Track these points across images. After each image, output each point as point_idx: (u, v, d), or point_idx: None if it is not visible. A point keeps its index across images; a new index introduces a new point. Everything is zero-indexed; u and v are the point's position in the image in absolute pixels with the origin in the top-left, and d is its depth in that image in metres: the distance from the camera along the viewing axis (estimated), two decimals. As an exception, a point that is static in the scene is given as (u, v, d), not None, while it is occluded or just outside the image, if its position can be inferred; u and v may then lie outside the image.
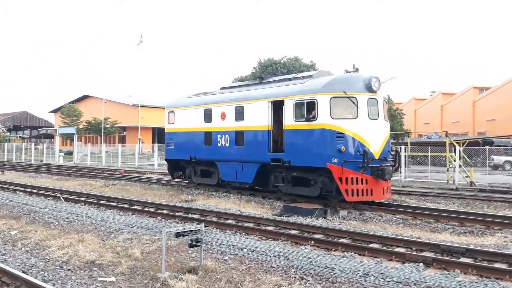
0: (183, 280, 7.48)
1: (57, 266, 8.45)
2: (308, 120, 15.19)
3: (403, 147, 25.47)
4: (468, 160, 25.64)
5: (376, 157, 14.86)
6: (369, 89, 15.06)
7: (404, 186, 23.12)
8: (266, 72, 47.02)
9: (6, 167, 37.27)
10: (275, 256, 8.98)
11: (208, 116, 19.24)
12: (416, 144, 35.53)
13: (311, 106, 15.16)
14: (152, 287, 7.37)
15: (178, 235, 8.31)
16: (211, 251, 9.52)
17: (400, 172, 25.14)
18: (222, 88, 20.80)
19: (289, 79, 17.62)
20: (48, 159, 52.15)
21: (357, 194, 14.46)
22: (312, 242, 10.10)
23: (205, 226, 8.94)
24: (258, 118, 16.95)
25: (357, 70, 15.91)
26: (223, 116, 18.48)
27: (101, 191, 19.97)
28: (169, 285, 7.38)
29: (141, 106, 69.17)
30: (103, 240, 10.43)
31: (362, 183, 14.47)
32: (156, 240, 10.22)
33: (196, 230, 8.35)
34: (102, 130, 67.68)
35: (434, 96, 71.82)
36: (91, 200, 16.94)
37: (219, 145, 18.60)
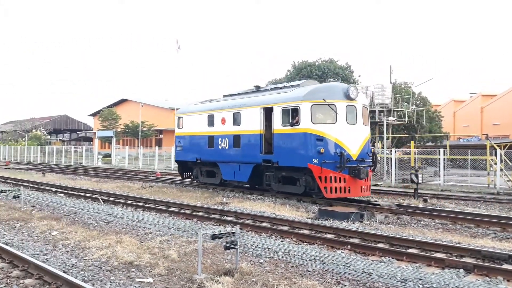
0: (219, 282, 7.51)
1: (96, 267, 8.62)
2: (292, 125, 16.93)
3: (441, 150, 24.90)
4: (510, 164, 24.84)
5: (354, 158, 16.46)
6: (348, 97, 16.82)
7: (443, 190, 22.60)
8: (301, 74, 46.86)
9: (47, 169, 38.42)
10: (311, 260, 8.91)
11: (211, 121, 21.13)
12: (455, 147, 34.66)
13: (295, 112, 16.90)
14: (188, 289, 7.43)
15: (214, 237, 8.34)
16: (246, 254, 9.54)
17: (439, 176, 24.59)
18: (224, 96, 22.83)
19: (280, 88, 19.44)
20: (87, 161, 53.47)
21: (335, 191, 16.06)
22: (349, 246, 9.97)
23: (240, 229, 8.95)
24: (252, 123, 18.76)
25: (337, 80, 17.45)
26: (223, 121, 20.37)
27: (138, 193, 20.30)
28: (205, 287, 7.41)
29: (176, 110, 70.16)
30: (141, 241, 10.59)
31: (340, 182, 16.10)
32: (192, 242, 10.31)
33: (232, 233, 8.37)
34: (139, 133, 68.92)
35: (474, 98, 69.87)
36: (129, 201, 17.26)
37: (220, 147, 20.49)
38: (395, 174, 25.84)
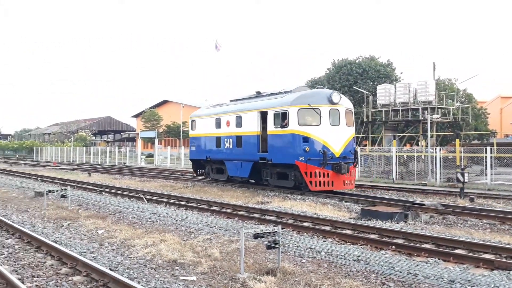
0: (262, 282, 7.51)
1: (141, 265, 8.79)
2: (282, 127, 19.11)
3: (488, 148, 24.09)
4: None
5: (337, 155, 18.53)
6: (331, 101, 18.88)
7: (490, 189, 21.87)
8: (341, 72, 46.38)
9: (92, 169, 39.49)
10: (354, 261, 8.79)
11: (218, 124, 23.47)
12: (502, 144, 33.46)
13: (284, 116, 19.04)
14: (231, 287, 7.47)
15: (255, 236, 8.36)
16: (288, 253, 9.51)
17: (486, 175, 23.81)
18: (231, 101, 25.02)
19: (276, 94, 21.36)
20: (130, 161, 54.65)
21: (320, 185, 18.14)
22: (393, 247, 9.78)
23: (281, 228, 8.93)
24: (251, 126, 20.89)
25: (323, 87, 20.09)
26: (228, 124, 22.58)
27: (181, 192, 20.58)
28: (248, 285, 7.44)
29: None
30: (184, 240, 10.72)
31: (323, 176, 18.14)
32: (234, 241, 10.36)
33: (274, 232, 8.36)
34: (181, 133, 69.90)
35: (522, 94, 67.28)
36: (172, 201, 17.52)
37: (225, 147, 22.76)
38: (440, 173, 25.19)
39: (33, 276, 7.88)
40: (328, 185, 18.30)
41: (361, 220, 13.34)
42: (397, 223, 12.77)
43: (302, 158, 18.13)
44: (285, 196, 18.80)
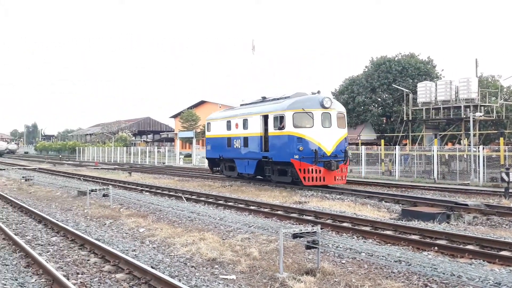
0: (301, 282, 7.48)
1: (181, 263, 8.90)
2: (280, 128, 21.35)
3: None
4: None
5: (328, 154, 20.57)
6: (323, 106, 21.02)
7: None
8: (380, 70, 45.69)
9: (133, 169, 40.28)
10: (395, 261, 8.64)
11: (228, 126, 25.87)
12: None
13: (281, 119, 21.32)
14: (271, 287, 7.47)
15: (294, 236, 8.33)
16: (327, 254, 9.43)
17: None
18: (241, 105, 27.89)
19: (278, 99, 23.51)
20: (169, 161, 55.45)
21: (312, 180, 20.18)
22: (435, 248, 9.56)
23: (320, 228, 8.86)
24: (255, 127, 23.16)
25: (318, 92, 22.13)
26: (236, 126, 24.99)
27: (219, 192, 20.74)
28: (287, 285, 7.42)
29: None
30: (223, 239, 10.80)
31: (316, 172, 20.17)
32: (273, 241, 10.36)
33: (313, 232, 8.31)
34: (218, 133, 70.36)
35: None
36: (210, 200, 17.67)
37: (235, 147, 25.08)
38: (483, 173, 24.46)
39: (78, 273, 8.10)
40: (320, 180, 20.37)
41: (402, 220, 13.10)
42: (439, 224, 12.48)
43: (297, 157, 20.33)
44: (323, 196, 18.68)
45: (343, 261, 8.92)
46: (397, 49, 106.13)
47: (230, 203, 16.64)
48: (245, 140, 24.02)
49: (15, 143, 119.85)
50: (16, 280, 7.61)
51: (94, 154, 68.56)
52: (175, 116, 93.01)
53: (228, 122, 25.98)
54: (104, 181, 26.67)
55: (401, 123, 39.22)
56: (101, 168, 42.50)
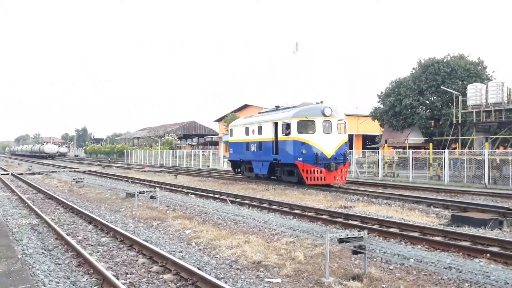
0: (348, 287, 7.38)
1: (227, 265, 8.96)
2: (286, 134, 24.11)
3: None
4: None
5: (328, 157, 23.05)
6: (324, 114, 23.61)
7: None
8: (427, 72, 44.60)
9: (178, 171, 40.92)
10: (445, 268, 8.37)
11: (247, 132, 28.94)
12: None
13: (288, 126, 24.08)
14: (317, 292, 7.40)
15: (341, 241, 8.23)
16: (374, 259, 9.26)
17: None
18: (259, 113, 31.35)
19: (287, 108, 26.42)
20: (214, 164, 56.01)
21: (314, 180, 22.70)
22: (488, 255, 9.21)
23: (367, 234, 8.71)
24: (268, 133, 26.11)
25: (321, 102, 24.84)
26: (253, 132, 27.97)
27: (262, 195, 20.77)
28: (333, 290, 7.34)
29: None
30: (267, 242, 10.80)
31: (317, 173, 22.68)
32: (318, 245, 10.27)
33: (360, 237, 8.19)
34: (261, 137, 70.50)
35: None
36: (254, 203, 17.72)
37: (252, 150, 28.11)
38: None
39: (127, 273, 8.30)
40: (321, 180, 22.78)
41: (452, 226, 12.69)
42: (491, 230, 12.02)
43: (300, 159, 22.95)
44: (369, 201, 18.38)
45: (391, 267, 8.74)
46: (446, 51, 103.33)
47: (274, 207, 16.63)
48: (260, 144, 27.09)
49: (66, 146, 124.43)
50: (69, 278, 7.87)
51: (141, 157, 70.14)
52: (219, 120, 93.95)
53: (247, 129, 29.07)
54: (151, 184, 27.21)
55: (450, 126, 38.07)
56: (148, 171, 43.43)
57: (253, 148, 27.78)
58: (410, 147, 37.75)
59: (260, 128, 27.14)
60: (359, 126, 76.54)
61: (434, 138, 42.27)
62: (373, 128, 63.93)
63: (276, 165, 25.74)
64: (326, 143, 23.24)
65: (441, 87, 42.55)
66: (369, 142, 69.27)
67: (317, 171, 22.63)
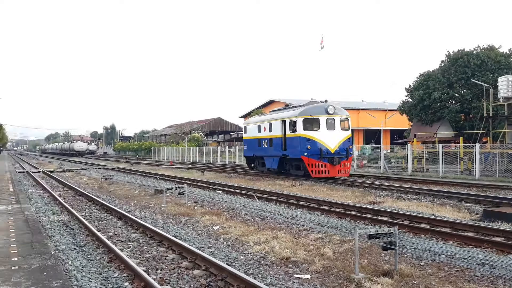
0: (378, 283, 7.31)
1: (255, 261, 8.98)
2: (293, 131, 25.98)
3: None
4: None
5: (332, 152, 24.76)
6: (327, 112, 25.41)
7: None
8: (457, 65, 43.70)
9: (205, 168, 41.20)
10: (478, 264, 8.21)
11: (259, 129, 31.06)
12: None
13: (294, 123, 25.95)
14: (347, 288, 7.35)
15: (370, 237, 8.14)
16: (405, 255, 9.14)
17: None
18: (270, 112, 34.07)
19: (295, 106, 28.72)
20: (240, 160, 56.11)
21: (318, 173, 24.53)
22: (522, 251, 8.99)
23: (397, 229, 8.59)
24: (277, 130, 27.95)
25: (325, 101, 26.66)
26: (264, 129, 30.01)
27: (289, 191, 20.72)
28: (364, 286, 7.27)
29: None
30: (296, 238, 10.77)
31: (321, 167, 24.54)
32: (347, 241, 10.19)
33: (390, 233, 8.09)
34: (287, 132, 70.28)
35: None
36: (281, 199, 17.69)
37: (264, 146, 30.24)
38: None
39: (157, 269, 8.39)
40: (325, 173, 24.57)
41: (484, 222, 12.43)
42: (526, 226, 11.72)
43: (306, 154, 24.76)
44: (398, 196, 18.14)
45: (422, 263, 8.61)
46: (475, 42, 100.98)
47: (301, 203, 16.58)
48: (271, 140, 29.05)
49: (95, 144, 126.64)
50: (100, 274, 8.00)
51: (168, 154, 70.89)
52: (244, 116, 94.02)
53: (259, 126, 31.16)
54: (179, 180, 27.47)
55: (480, 120, 37.25)
56: (176, 168, 43.84)
57: (265, 144, 29.94)
58: (439, 142, 37.07)
59: (270, 125, 29.21)
60: (387, 120, 75.68)
61: (464, 132, 41.42)
62: (401, 122, 63.07)
63: (285, 160, 27.81)
64: (330, 139, 25.04)
65: (471, 79, 41.66)
66: (397, 136, 68.35)
67: (321, 165, 24.49)
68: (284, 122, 27.16)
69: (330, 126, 25.28)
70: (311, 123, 25.33)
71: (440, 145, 31.07)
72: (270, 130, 28.97)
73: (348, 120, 26.34)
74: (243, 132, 35.36)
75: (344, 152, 25.07)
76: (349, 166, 25.98)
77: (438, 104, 44.77)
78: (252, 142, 32.51)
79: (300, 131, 25.29)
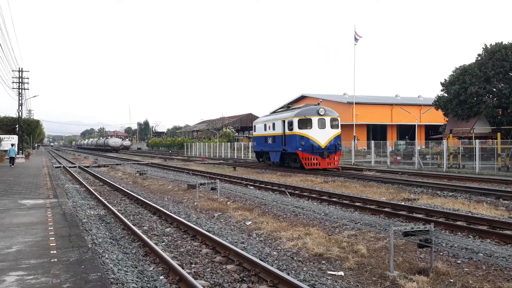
0: (413, 281, 7.20)
1: (288, 257, 8.97)
2: (290, 130, 30.34)
3: None
4: None
5: (323, 147, 29.16)
6: (318, 114, 29.82)
7: None
8: (494, 58, 42.49)
9: (236, 163, 41.37)
10: (518, 264, 7.98)
11: (265, 128, 35.74)
12: None
13: (291, 123, 30.30)
14: (381, 285, 7.27)
15: (406, 234, 8.02)
16: (441, 253, 8.98)
17: None
18: (273, 112, 40.51)
19: (294, 108, 33.74)
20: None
21: (311, 165, 28.98)
22: None
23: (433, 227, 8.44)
24: (279, 129, 32.47)
25: (318, 104, 31.74)
26: (269, 128, 34.76)
27: (321, 187, 20.60)
28: (399, 284, 7.18)
29: (355, 104, 69.44)
30: (328, 235, 10.72)
31: (313, 160, 29.04)
32: (381, 238, 10.08)
33: (425, 230, 7.95)
34: (319, 128, 69.78)
35: None
36: (314, 195, 17.61)
37: (268, 143, 34.97)
38: None
39: (191, 263, 8.49)
40: (316, 165, 29.06)
41: (524, 220, 12.09)
42: None
43: (300, 149, 29.33)
44: (433, 193, 17.81)
45: (458, 261, 8.44)
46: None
47: (334, 199, 16.46)
48: (274, 138, 33.58)
49: (129, 140, 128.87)
50: (136, 267, 8.15)
51: (200, 149, 71.51)
52: (275, 112, 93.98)
53: (265, 125, 35.74)
54: (211, 175, 27.69)
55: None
56: (207, 163, 44.21)
57: (270, 141, 34.62)
58: (476, 137, 36.17)
59: (273, 125, 33.74)
60: (421, 116, 74.30)
61: (502, 127, 40.28)
62: (437, 117, 61.82)
63: (285, 154, 32.32)
64: (321, 136, 29.35)
65: (510, 73, 40.41)
66: (432, 132, 67.02)
67: (313, 158, 29.00)
68: (284, 122, 31.52)
69: (321, 125, 29.64)
70: (305, 122, 29.67)
71: (477, 141, 30.30)
72: (274, 128, 33.53)
73: (337, 119, 30.53)
74: (253, 131, 40.56)
75: (333, 147, 29.44)
76: (338, 159, 30.05)
77: (475, 98, 43.65)
78: (260, 139, 37.28)
79: (296, 129, 29.70)
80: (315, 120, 29.55)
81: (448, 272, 7.69)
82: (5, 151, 44.34)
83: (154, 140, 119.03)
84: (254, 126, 39.02)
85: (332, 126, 29.80)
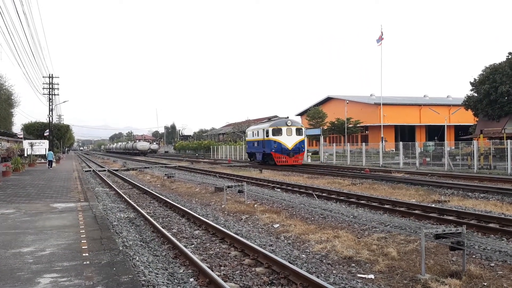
0: (445, 284, 7.08)
1: (317, 260, 8.93)
2: (267, 136, 40.49)
3: None
4: None
5: (290, 149, 39.41)
6: (287, 125, 40.27)
7: None
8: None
9: (263, 166, 41.43)
10: (555, 268, 7.76)
11: (252, 134, 45.40)
12: None
13: (267, 131, 40.53)
14: (412, 289, 7.17)
15: (437, 237, 7.89)
16: (473, 256, 8.81)
17: None
18: (259, 123, 48.99)
19: (273, 120, 44.12)
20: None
21: (281, 162, 39.12)
22: None
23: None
24: (261, 135, 42.17)
25: (287, 117, 42.31)
26: (255, 134, 44.25)
27: (349, 189, 20.45)
28: (430, 287, 7.07)
29: (383, 105, 68.68)
30: (358, 238, 10.62)
31: (282, 158, 39.39)
32: (412, 241, 9.94)
33: (457, 233, 7.81)
34: (345, 130, 69.51)
35: None
36: (342, 198, 17.48)
37: (255, 146, 44.37)
38: None
39: (220, 266, 8.53)
40: (284, 162, 39.01)
41: (560, 222, 11.80)
42: None
43: (274, 150, 39.55)
44: (464, 195, 17.48)
45: (492, 264, 8.26)
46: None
47: (362, 201, 16.32)
48: (258, 142, 43.27)
49: (157, 143, 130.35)
50: (166, 270, 8.24)
51: (226, 152, 71.81)
52: (301, 114, 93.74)
53: (253, 133, 45.49)
54: (237, 178, 27.76)
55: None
56: (234, 166, 44.34)
57: (255, 144, 44.23)
58: (508, 137, 35.29)
59: (258, 132, 43.63)
60: (450, 116, 72.98)
61: (534, 127, 39.22)
62: (466, 118, 60.67)
63: (265, 155, 42.07)
64: (288, 141, 39.60)
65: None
66: (462, 133, 65.78)
67: (282, 157, 39.33)
68: (264, 130, 41.67)
69: (289, 133, 39.99)
70: (277, 131, 40.03)
71: (509, 141, 29.56)
72: (258, 135, 43.40)
73: (302, 129, 41.49)
74: (245, 136, 52.89)
75: (298, 149, 40.07)
76: (302, 158, 41.19)
77: (506, 98, 42.67)
78: (250, 143, 46.93)
79: (271, 136, 40.07)
80: (284, 129, 40.01)
81: (481, 275, 7.54)
82: (37, 155, 48.70)
83: (181, 144, 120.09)
84: (246, 132, 50.23)
85: (297, 134, 40.32)
